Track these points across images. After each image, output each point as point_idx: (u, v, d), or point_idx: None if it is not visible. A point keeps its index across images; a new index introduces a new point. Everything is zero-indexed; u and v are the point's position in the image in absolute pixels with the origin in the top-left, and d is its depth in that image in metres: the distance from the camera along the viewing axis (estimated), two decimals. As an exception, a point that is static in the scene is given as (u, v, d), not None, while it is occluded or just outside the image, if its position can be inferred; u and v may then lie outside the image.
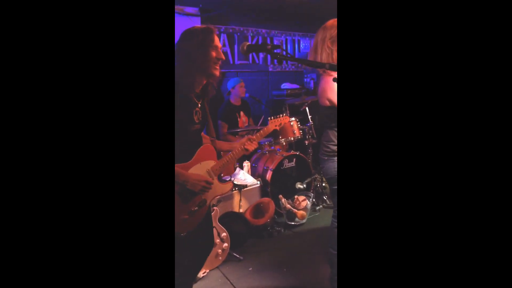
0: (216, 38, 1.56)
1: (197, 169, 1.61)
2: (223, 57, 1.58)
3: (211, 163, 1.68)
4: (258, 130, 1.89)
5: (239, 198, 3.11)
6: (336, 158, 1.92)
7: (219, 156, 1.76)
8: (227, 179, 3.24)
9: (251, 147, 1.75)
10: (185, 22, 3.75)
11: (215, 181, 1.68)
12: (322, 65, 1.32)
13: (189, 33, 1.53)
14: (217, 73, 1.57)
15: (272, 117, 2.00)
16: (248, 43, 1.43)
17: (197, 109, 1.61)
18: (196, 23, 3.92)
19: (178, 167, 1.52)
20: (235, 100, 4.01)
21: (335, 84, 1.75)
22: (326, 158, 1.97)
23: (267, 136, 3.99)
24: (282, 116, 2.01)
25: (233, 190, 3.08)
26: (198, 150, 1.62)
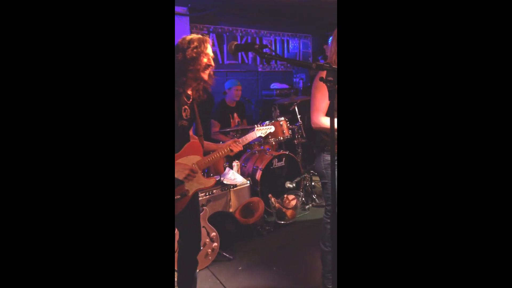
0: (209, 47, 1.72)
1: (183, 161, 1.75)
2: (213, 64, 1.74)
3: (197, 158, 1.80)
4: (246, 131, 1.97)
5: (228, 197, 3.12)
6: (322, 153, 2.01)
7: (205, 154, 1.88)
8: (217, 179, 3.24)
9: (236, 148, 1.90)
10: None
11: (199, 174, 1.79)
12: (309, 65, 1.33)
13: (187, 40, 1.69)
14: (206, 77, 1.73)
15: (259, 125, 2.13)
16: (236, 43, 1.44)
17: (185, 107, 1.76)
18: (185, 22, 3.91)
19: None
20: (229, 101, 4.02)
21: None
22: (315, 152, 2.09)
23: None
24: (269, 124, 2.13)
25: (223, 190, 3.08)
26: (186, 144, 1.77)
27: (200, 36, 1.72)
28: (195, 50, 1.65)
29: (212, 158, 1.86)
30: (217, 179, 3.23)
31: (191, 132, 1.90)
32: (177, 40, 1.72)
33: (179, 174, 1.68)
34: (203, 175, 1.87)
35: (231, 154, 1.92)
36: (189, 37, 1.71)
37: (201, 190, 2.94)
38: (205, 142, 1.92)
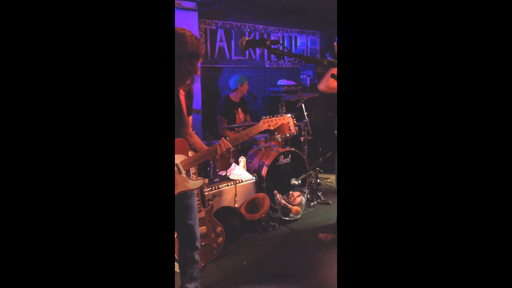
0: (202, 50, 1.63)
1: None
2: (198, 73, 1.65)
3: (181, 158, 1.69)
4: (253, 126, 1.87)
5: (234, 193, 3.13)
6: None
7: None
8: (223, 175, 3.25)
9: (220, 149, 1.72)
10: (182, 16, 3.74)
11: (182, 176, 1.68)
12: (320, 61, 1.33)
13: (180, 37, 1.58)
14: (188, 82, 1.65)
15: (268, 116, 1.93)
16: (247, 38, 1.45)
17: None
18: (194, 17, 3.91)
19: None
20: (235, 97, 4.05)
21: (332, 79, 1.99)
22: (321, 149, 2.16)
23: (262, 132, 4.03)
24: (280, 116, 1.94)
25: (229, 186, 3.10)
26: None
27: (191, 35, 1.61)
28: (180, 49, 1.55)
29: (199, 157, 1.72)
30: (223, 175, 3.24)
31: (190, 129, 1.84)
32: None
33: None
34: (189, 175, 1.74)
35: (217, 157, 1.73)
36: (178, 31, 1.60)
37: (207, 185, 2.97)
38: (196, 140, 1.84)
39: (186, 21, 3.78)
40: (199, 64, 1.64)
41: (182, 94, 1.73)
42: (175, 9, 3.68)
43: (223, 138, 1.75)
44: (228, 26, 4.55)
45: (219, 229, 2.62)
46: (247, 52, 4.82)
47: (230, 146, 1.73)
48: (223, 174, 3.26)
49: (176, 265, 2.30)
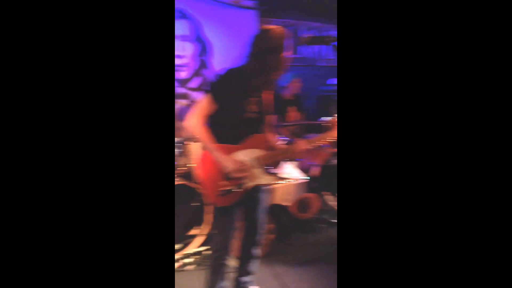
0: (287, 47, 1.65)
1: (242, 154, 1.70)
2: (287, 64, 1.67)
3: (257, 153, 1.74)
4: (311, 126, 1.87)
5: (285, 191, 3.13)
6: None
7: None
8: (273, 172, 3.26)
9: (297, 148, 1.76)
10: (241, 15, 3.76)
11: (259, 170, 1.73)
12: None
13: (265, 33, 1.63)
14: (275, 77, 1.71)
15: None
16: (311, 36, 1.46)
17: (251, 99, 1.70)
18: (253, 16, 3.91)
19: (221, 147, 1.64)
20: (286, 95, 4.04)
21: None
22: None
23: (313, 131, 3.97)
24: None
25: (280, 184, 3.10)
26: (249, 137, 1.71)
27: (280, 31, 1.66)
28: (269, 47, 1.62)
29: (275, 154, 1.78)
30: (273, 173, 3.25)
31: (269, 127, 1.86)
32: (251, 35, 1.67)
33: (225, 168, 1.62)
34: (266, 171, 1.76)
35: (293, 156, 1.79)
36: (268, 30, 1.65)
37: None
38: (273, 139, 1.85)
39: (244, 20, 3.81)
40: (286, 56, 1.67)
41: (268, 93, 1.77)
42: (234, 8, 3.73)
43: (301, 139, 1.80)
44: (285, 24, 4.54)
45: (269, 226, 2.64)
46: (301, 50, 4.79)
47: (309, 146, 1.77)
48: (274, 172, 3.27)
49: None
